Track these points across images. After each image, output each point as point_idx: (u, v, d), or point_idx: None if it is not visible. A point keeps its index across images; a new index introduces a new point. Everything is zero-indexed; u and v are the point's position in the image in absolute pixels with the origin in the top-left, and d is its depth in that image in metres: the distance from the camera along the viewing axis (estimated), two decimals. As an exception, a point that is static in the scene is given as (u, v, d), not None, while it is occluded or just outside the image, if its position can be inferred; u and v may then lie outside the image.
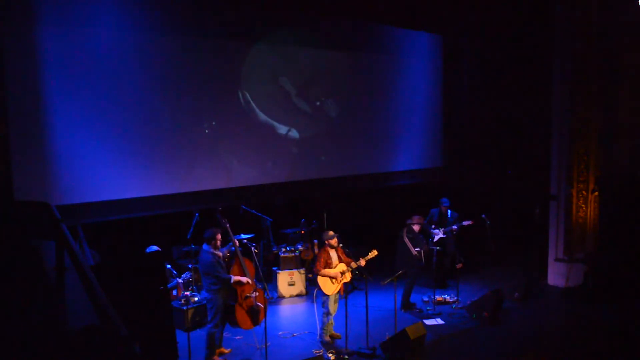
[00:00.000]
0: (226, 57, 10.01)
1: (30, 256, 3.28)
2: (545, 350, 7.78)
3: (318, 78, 11.25)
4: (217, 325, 7.36)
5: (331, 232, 8.04)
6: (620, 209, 10.22)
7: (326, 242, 8.03)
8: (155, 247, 8.02)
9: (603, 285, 9.82)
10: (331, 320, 8.18)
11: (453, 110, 13.64)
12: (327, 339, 8.06)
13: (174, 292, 8.57)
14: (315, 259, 8.41)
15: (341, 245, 8.20)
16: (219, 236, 7.37)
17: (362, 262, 7.96)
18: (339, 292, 8.03)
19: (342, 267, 7.98)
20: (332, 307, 8.05)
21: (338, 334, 8.16)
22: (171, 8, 9.27)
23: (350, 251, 8.28)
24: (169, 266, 8.23)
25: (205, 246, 7.33)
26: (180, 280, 7.71)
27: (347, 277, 8.03)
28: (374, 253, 8.01)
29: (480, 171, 13.27)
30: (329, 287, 7.90)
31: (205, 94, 9.81)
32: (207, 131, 9.86)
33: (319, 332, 8.14)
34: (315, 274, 7.99)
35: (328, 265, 7.93)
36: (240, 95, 10.24)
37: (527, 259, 11.42)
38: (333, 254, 8.03)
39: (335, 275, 7.89)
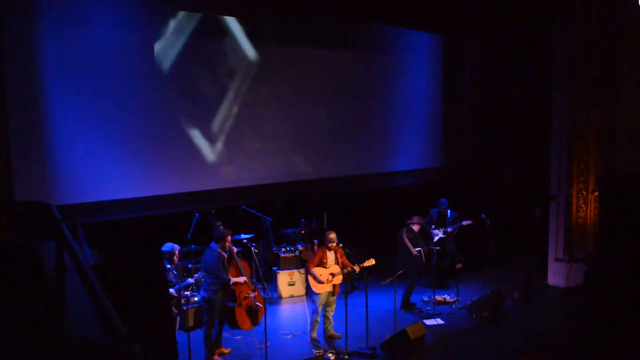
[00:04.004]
0: (227, 57, 10.01)
1: (30, 256, 3.28)
2: (545, 350, 7.78)
3: (318, 77, 11.25)
4: (213, 325, 7.38)
5: (332, 235, 8.06)
6: (620, 209, 10.21)
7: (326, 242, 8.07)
8: (170, 245, 7.88)
9: (603, 285, 9.81)
10: (331, 320, 8.22)
11: (453, 110, 13.63)
12: (314, 335, 8.15)
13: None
14: (311, 255, 8.47)
15: (341, 245, 8.22)
16: (229, 238, 7.40)
17: (357, 269, 8.00)
18: (332, 292, 8.08)
19: (335, 269, 8.03)
20: (328, 305, 8.11)
21: (338, 334, 8.17)
22: (171, 8, 9.28)
23: (352, 252, 8.31)
24: (169, 266, 8.21)
25: (213, 244, 7.39)
26: (192, 280, 7.71)
27: (338, 279, 8.06)
28: (371, 262, 8.01)
29: (480, 171, 13.26)
30: (318, 285, 7.96)
31: (206, 93, 9.81)
32: (207, 131, 9.86)
33: (308, 328, 8.23)
34: (306, 271, 8.07)
35: (322, 264, 7.99)
36: (240, 94, 10.24)
37: (527, 259, 11.42)
38: (331, 254, 8.07)
39: (323, 278, 7.91)
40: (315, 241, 10.72)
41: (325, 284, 7.93)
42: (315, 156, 11.41)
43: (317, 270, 7.94)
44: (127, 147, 8.86)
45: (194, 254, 8.76)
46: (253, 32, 10.26)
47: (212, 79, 9.86)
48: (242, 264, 7.58)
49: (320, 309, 8.09)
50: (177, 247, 7.68)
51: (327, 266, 8.00)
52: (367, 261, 8.01)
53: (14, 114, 7.44)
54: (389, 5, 10.89)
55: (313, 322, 8.15)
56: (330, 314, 8.22)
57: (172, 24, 9.30)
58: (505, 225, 11.64)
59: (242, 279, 7.43)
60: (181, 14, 9.40)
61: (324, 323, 8.23)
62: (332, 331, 8.22)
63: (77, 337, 3.07)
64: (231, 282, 7.32)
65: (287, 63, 10.82)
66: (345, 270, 8.01)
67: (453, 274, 10.46)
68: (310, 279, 8.05)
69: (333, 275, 7.99)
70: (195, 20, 9.56)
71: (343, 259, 8.11)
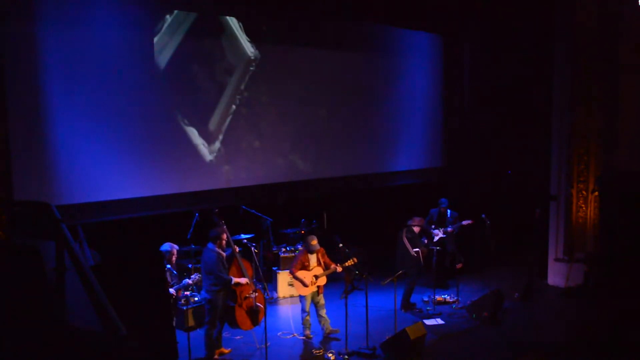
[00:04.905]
0: (227, 57, 10.01)
1: (30, 256, 3.28)
2: (545, 350, 7.78)
3: (318, 78, 11.25)
4: (214, 325, 7.38)
5: (314, 242, 8.18)
6: (620, 209, 10.20)
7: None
8: (169, 245, 7.81)
9: (603, 285, 9.81)
10: (326, 317, 8.28)
11: (453, 110, 13.63)
12: (307, 333, 8.22)
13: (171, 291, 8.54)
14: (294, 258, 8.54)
15: (341, 245, 8.27)
16: (224, 236, 7.40)
17: (339, 269, 8.17)
18: (317, 292, 8.17)
19: (318, 270, 8.16)
20: (319, 305, 8.18)
21: (336, 328, 8.20)
22: (171, 8, 9.28)
23: (352, 251, 8.32)
24: (169, 266, 8.22)
25: (210, 245, 7.36)
26: (189, 281, 7.74)
27: (322, 281, 8.20)
28: (354, 261, 8.14)
29: (480, 171, 13.26)
30: (303, 288, 8.09)
31: (206, 93, 9.81)
32: (207, 131, 9.86)
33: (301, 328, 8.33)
34: (292, 276, 8.21)
35: (305, 267, 8.12)
36: (240, 94, 10.24)
37: (527, 259, 11.41)
38: (312, 257, 8.21)
39: (307, 281, 8.04)
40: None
41: (310, 287, 8.06)
42: (315, 156, 11.40)
43: (301, 274, 8.04)
44: (127, 147, 8.86)
45: (193, 254, 8.76)
46: (252, 31, 10.26)
47: (211, 77, 9.86)
48: (244, 264, 7.55)
49: (307, 308, 8.20)
50: (175, 247, 7.67)
51: (310, 269, 8.13)
52: (348, 261, 8.12)
53: (14, 114, 7.44)
54: (388, 5, 10.89)
55: (303, 322, 8.28)
56: (324, 312, 8.26)
57: (171, 22, 9.30)
58: (505, 225, 11.64)
59: (243, 280, 7.41)
60: (180, 14, 9.39)
61: (320, 322, 8.27)
62: (329, 327, 8.25)
63: (77, 333, 3.07)
64: (232, 282, 7.31)
65: (286, 62, 10.82)
66: (327, 272, 8.15)
67: (453, 274, 10.46)
68: (295, 282, 8.18)
69: (317, 277, 8.13)
70: (193, 17, 9.55)
71: (325, 259, 8.26)
